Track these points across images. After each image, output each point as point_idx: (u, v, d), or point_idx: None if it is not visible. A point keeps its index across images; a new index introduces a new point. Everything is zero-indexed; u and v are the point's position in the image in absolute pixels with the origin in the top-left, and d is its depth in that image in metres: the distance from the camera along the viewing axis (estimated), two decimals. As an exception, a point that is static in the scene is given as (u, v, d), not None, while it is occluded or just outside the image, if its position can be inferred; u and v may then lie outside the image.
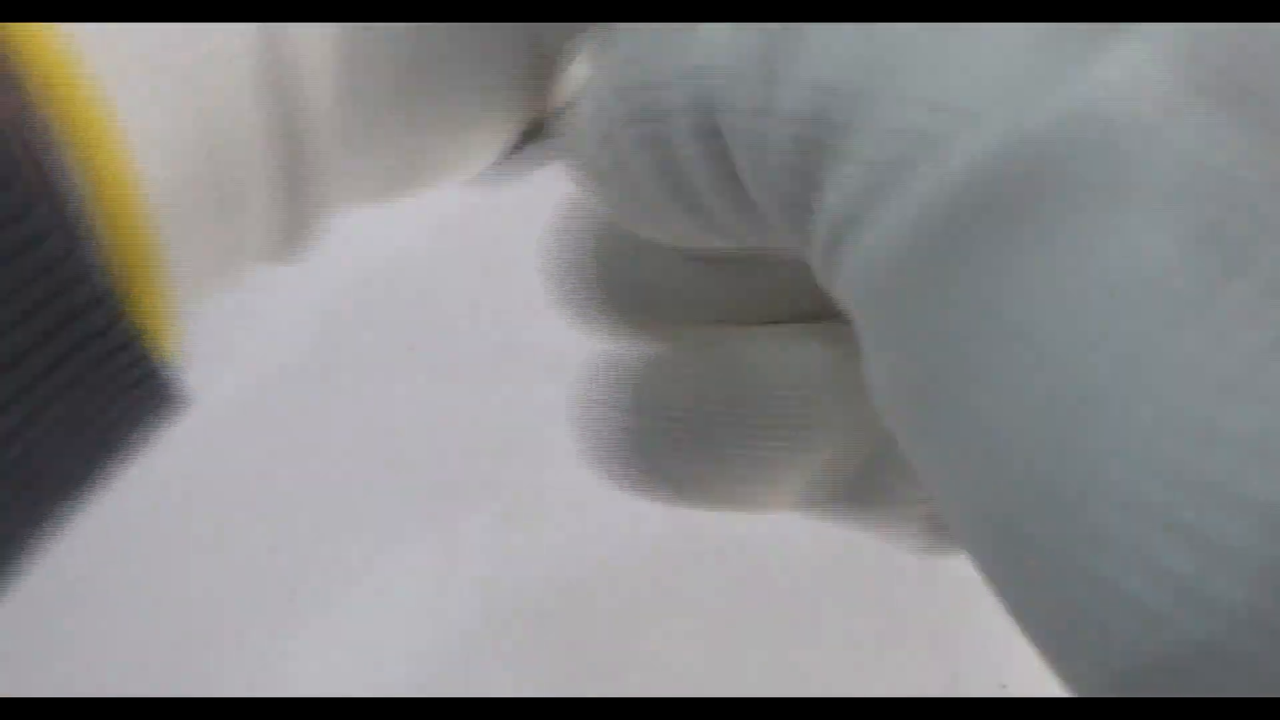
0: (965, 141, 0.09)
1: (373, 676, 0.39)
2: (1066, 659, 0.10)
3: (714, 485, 0.16)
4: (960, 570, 0.13)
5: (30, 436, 0.14)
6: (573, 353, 0.23)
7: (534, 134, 0.19)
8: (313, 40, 0.14)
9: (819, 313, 0.15)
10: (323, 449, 0.42)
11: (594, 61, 0.13)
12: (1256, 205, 0.09)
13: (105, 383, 0.14)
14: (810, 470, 0.16)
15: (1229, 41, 0.09)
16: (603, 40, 0.13)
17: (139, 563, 0.40)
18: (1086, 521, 0.09)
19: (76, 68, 0.13)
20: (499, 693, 0.38)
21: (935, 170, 0.09)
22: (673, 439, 0.16)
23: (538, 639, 0.39)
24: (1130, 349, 0.09)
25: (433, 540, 0.40)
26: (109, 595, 0.40)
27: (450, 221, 0.41)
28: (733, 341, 0.15)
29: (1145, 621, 0.09)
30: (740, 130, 0.10)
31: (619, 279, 0.17)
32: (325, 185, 0.15)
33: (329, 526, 0.41)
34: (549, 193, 0.20)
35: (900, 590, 0.38)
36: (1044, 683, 0.12)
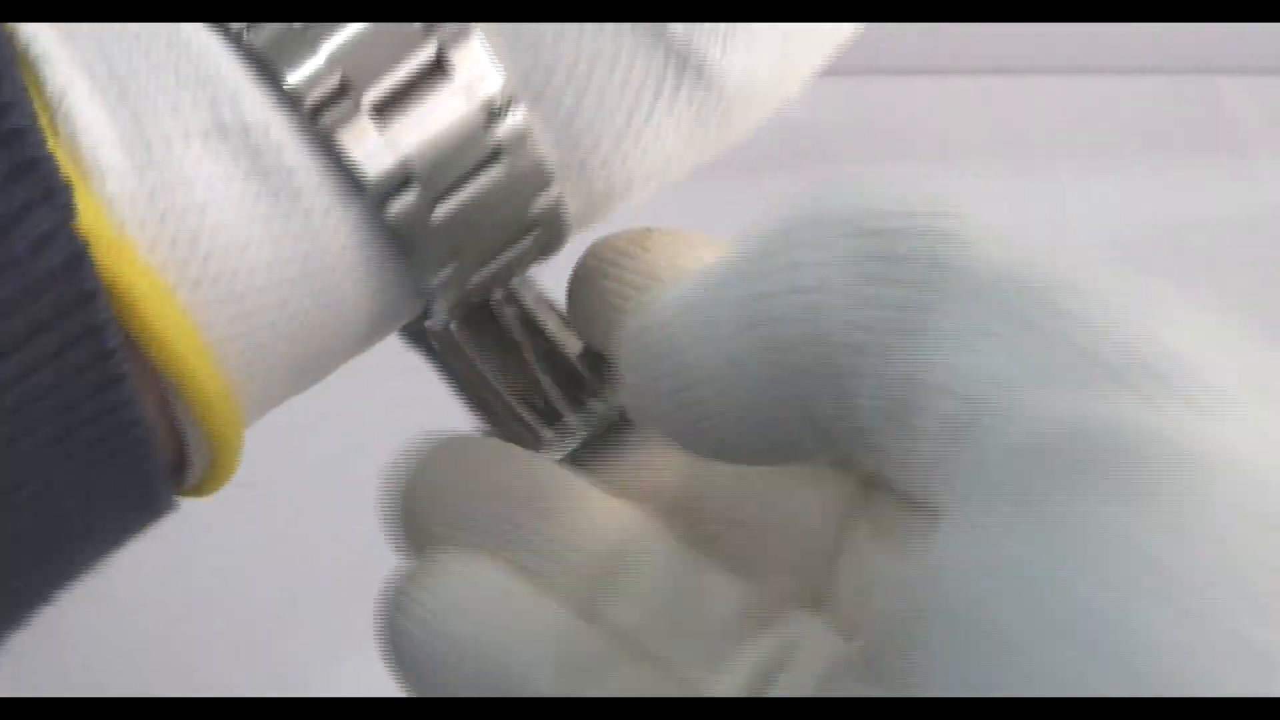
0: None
1: (373, 676, 0.39)
2: None
3: None
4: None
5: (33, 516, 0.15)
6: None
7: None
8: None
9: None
10: (321, 448, 0.42)
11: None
12: None
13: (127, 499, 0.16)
14: None
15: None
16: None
17: (138, 562, 0.40)
18: None
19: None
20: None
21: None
22: None
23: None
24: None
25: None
26: (109, 595, 0.40)
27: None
28: None
29: None
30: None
31: None
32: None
33: (328, 526, 0.41)
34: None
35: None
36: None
